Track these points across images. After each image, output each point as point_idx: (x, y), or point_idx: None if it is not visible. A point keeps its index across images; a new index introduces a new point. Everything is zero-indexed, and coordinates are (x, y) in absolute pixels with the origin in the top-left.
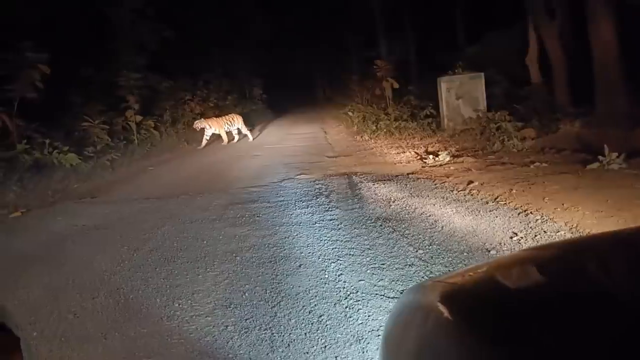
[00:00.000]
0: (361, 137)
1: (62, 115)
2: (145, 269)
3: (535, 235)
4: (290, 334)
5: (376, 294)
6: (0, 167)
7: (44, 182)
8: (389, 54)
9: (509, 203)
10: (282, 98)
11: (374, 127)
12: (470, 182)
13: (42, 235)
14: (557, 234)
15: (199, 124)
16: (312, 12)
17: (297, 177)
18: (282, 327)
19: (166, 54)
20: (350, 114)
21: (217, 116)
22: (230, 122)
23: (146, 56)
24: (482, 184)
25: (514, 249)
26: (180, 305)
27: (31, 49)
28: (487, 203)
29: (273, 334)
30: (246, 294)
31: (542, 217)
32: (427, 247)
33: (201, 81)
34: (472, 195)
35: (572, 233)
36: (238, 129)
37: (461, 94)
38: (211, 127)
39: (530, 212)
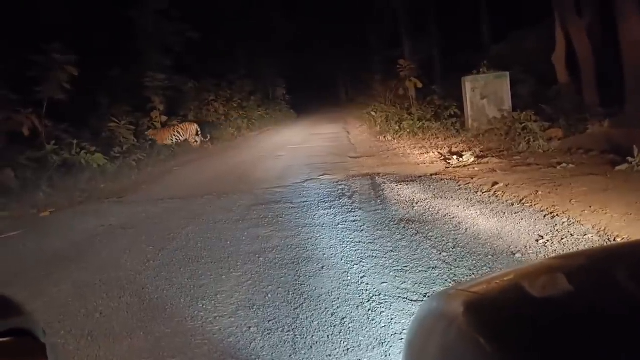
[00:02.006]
0: (384, 137)
1: (90, 116)
2: (170, 268)
3: (562, 239)
4: (312, 336)
5: (399, 297)
6: (30, 167)
7: (72, 182)
8: (413, 54)
9: (534, 205)
10: (305, 98)
11: (397, 128)
12: (495, 183)
13: (71, 235)
14: (585, 237)
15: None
16: (335, 12)
17: (320, 177)
18: (304, 329)
19: (191, 55)
20: (373, 114)
21: (167, 127)
22: (180, 132)
23: (171, 57)
24: (507, 185)
25: (540, 252)
26: (204, 306)
27: (59, 50)
28: (513, 205)
29: (295, 335)
30: (269, 295)
31: (569, 219)
32: (451, 249)
33: (225, 82)
34: (497, 196)
35: (599, 236)
36: (186, 139)
37: (486, 93)
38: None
39: (557, 215)
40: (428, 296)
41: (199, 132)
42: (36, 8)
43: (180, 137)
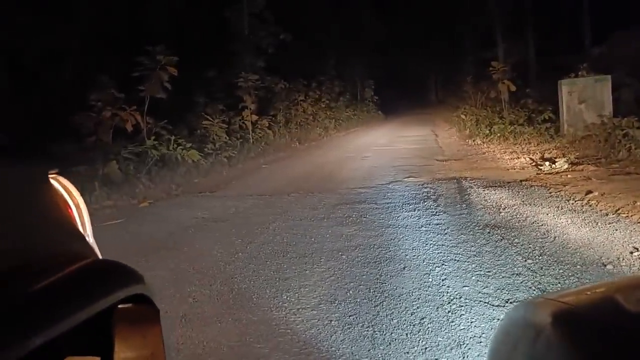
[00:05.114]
0: (473, 140)
1: (186, 114)
2: (257, 261)
3: None
4: (391, 333)
5: (480, 301)
6: (132, 161)
7: (168, 176)
8: (507, 55)
9: (631, 216)
10: (393, 100)
11: (487, 131)
12: (589, 191)
13: (167, 225)
14: None
15: None
16: (426, 12)
17: (405, 179)
18: (384, 326)
19: (282, 56)
20: (463, 116)
21: None
22: None
23: (263, 58)
24: (602, 195)
25: (634, 265)
26: (288, 298)
27: (162, 52)
28: (607, 215)
29: (375, 332)
30: (350, 292)
31: None
32: (537, 257)
33: (314, 82)
34: (590, 205)
35: None
36: None
37: (584, 98)
38: None
39: None
40: (510, 303)
41: None
42: (141, 12)
43: None
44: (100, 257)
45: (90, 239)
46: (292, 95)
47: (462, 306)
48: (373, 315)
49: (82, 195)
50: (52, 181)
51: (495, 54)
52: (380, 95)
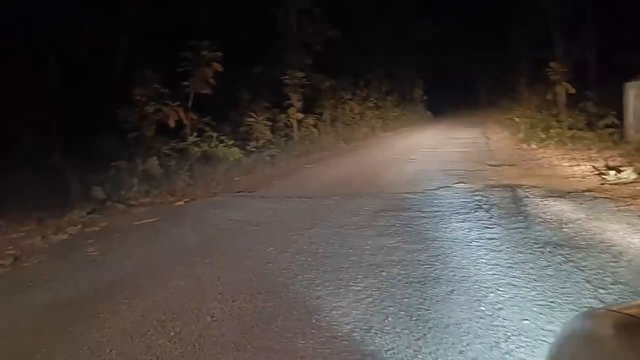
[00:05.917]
0: (528, 145)
1: (230, 111)
2: (288, 273)
3: None
4: None
5: (544, 342)
6: (174, 157)
7: (209, 173)
8: (564, 56)
9: None
10: (442, 100)
11: (543, 135)
12: None
13: (200, 226)
14: None
15: None
16: (477, 12)
17: (455, 185)
18: None
19: (329, 53)
20: (516, 119)
21: None
22: None
23: (311, 56)
24: None
25: None
26: (317, 322)
27: (207, 48)
28: None
29: None
30: (389, 319)
31: None
32: (609, 285)
33: (362, 81)
34: None
35: None
36: None
37: None
38: None
39: None
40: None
41: None
42: (188, 8)
43: None
44: None
45: None
46: (339, 93)
47: (521, 347)
48: (414, 350)
49: (119, 191)
50: None
51: (549, 54)
52: (430, 95)
